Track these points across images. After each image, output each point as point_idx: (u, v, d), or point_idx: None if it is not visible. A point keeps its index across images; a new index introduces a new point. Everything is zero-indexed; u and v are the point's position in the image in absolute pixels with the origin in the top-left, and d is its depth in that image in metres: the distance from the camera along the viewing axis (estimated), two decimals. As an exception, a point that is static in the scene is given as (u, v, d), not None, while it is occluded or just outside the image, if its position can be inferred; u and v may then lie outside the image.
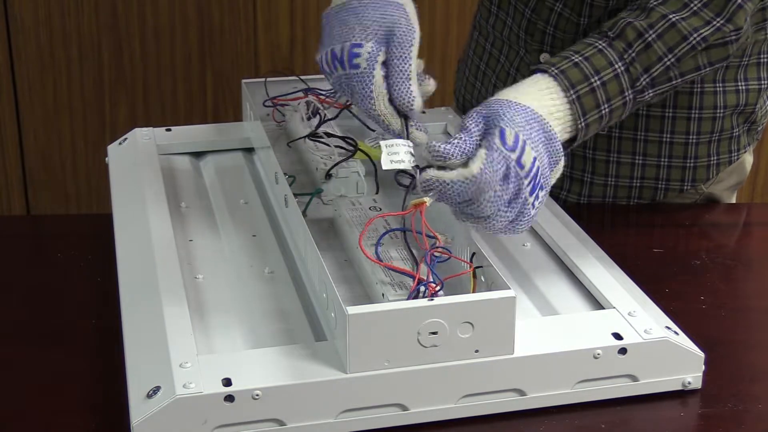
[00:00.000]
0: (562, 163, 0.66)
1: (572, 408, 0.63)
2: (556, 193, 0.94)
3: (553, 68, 0.70)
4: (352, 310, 0.58)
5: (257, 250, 0.76)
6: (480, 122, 0.64)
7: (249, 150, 0.92)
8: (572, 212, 0.81)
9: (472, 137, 0.63)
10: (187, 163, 0.90)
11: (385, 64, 0.67)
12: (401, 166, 0.68)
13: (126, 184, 0.84)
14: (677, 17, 0.72)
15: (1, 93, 1.59)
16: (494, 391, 0.62)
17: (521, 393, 0.62)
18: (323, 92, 0.89)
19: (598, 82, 0.70)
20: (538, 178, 0.63)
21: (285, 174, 0.76)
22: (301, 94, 0.89)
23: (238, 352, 0.63)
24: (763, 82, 0.90)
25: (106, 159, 0.90)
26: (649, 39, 0.71)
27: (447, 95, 1.15)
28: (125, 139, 0.91)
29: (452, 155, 0.62)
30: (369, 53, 0.66)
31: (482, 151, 0.62)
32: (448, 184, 0.61)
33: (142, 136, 0.91)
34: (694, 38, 0.72)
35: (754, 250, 0.89)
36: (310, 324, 0.67)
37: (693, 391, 0.65)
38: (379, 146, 0.71)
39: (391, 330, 0.59)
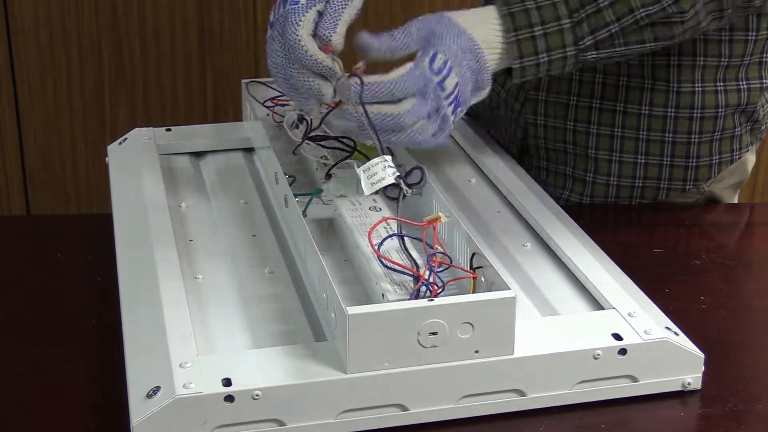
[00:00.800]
0: (486, 90, 0.73)
1: (572, 408, 0.63)
2: (558, 193, 0.94)
3: (503, 8, 0.74)
4: (352, 310, 0.58)
5: (257, 250, 0.76)
6: (422, 30, 0.70)
7: (249, 150, 0.93)
8: (572, 212, 0.81)
9: (409, 38, 0.69)
10: (187, 163, 0.90)
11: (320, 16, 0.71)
12: (383, 183, 0.70)
13: (126, 184, 0.84)
14: None
15: (1, 93, 1.59)
16: (494, 391, 0.62)
17: (521, 393, 0.62)
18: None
19: (540, 32, 0.73)
20: (459, 98, 0.70)
21: (285, 174, 0.76)
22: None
23: (238, 352, 0.63)
24: (764, 81, 0.90)
25: (106, 159, 0.90)
26: (602, 5, 0.74)
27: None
28: (125, 139, 0.91)
29: (380, 48, 0.68)
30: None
31: (408, 64, 0.68)
32: (365, 85, 0.66)
33: (142, 136, 0.91)
34: (639, 13, 0.75)
35: (754, 250, 0.89)
36: (310, 324, 0.67)
37: (693, 392, 0.65)
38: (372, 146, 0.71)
39: (391, 330, 0.59)
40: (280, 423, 0.59)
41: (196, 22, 1.57)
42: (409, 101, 0.68)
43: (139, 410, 0.58)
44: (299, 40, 0.69)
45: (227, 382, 0.58)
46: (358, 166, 0.78)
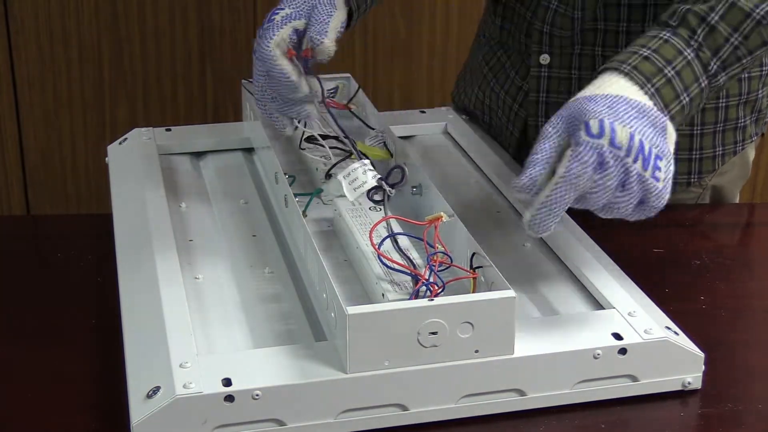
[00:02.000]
0: (671, 127, 0.65)
1: (572, 408, 0.63)
2: None
3: (623, 65, 0.68)
4: (352, 310, 0.58)
5: (257, 250, 0.76)
6: (559, 124, 0.63)
7: (249, 150, 0.92)
8: (572, 212, 0.81)
9: (551, 142, 0.62)
10: (187, 163, 0.90)
11: (299, 33, 0.73)
12: (366, 188, 0.70)
13: (126, 184, 0.84)
14: None
15: (1, 93, 1.58)
16: (494, 391, 0.62)
17: (521, 393, 0.62)
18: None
19: (672, 72, 0.68)
20: (647, 149, 0.62)
21: (285, 174, 0.76)
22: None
23: (238, 352, 0.63)
24: (764, 68, 0.90)
25: (106, 159, 0.90)
26: (713, 22, 0.70)
27: (447, 95, 1.15)
28: (125, 139, 0.91)
29: (535, 175, 0.61)
30: (286, 14, 0.73)
31: (568, 151, 0.61)
32: (546, 203, 0.60)
33: (142, 136, 0.91)
34: (757, 13, 0.71)
35: (754, 250, 0.89)
36: (310, 324, 0.67)
37: (693, 391, 0.65)
38: (367, 148, 0.71)
39: (391, 330, 0.59)
40: (280, 423, 0.59)
41: (196, 22, 1.57)
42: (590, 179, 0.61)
43: (139, 410, 0.58)
44: (270, 52, 0.71)
45: (227, 382, 0.58)
46: (338, 175, 0.78)
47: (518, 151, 0.95)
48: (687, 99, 0.69)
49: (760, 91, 0.90)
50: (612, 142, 0.61)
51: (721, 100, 0.89)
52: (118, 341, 0.65)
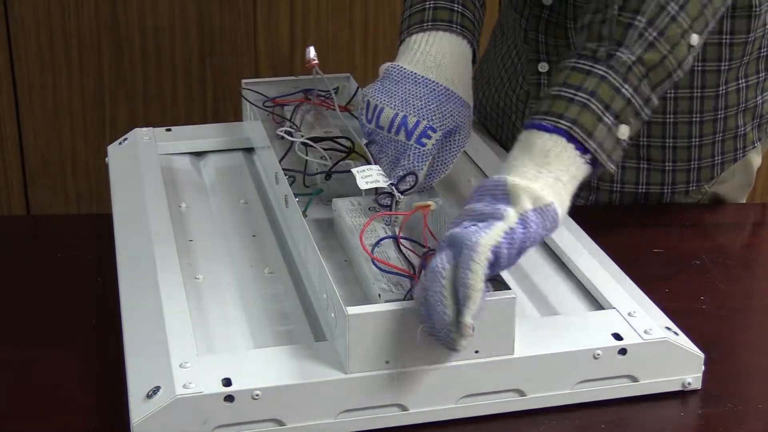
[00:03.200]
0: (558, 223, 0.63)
1: (572, 408, 0.63)
2: None
3: (536, 117, 0.64)
4: (352, 310, 0.58)
5: (257, 251, 0.76)
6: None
7: (249, 150, 0.92)
8: (573, 212, 0.81)
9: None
10: (187, 163, 0.90)
11: None
12: (377, 185, 0.71)
13: (126, 184, 0.84)
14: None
15: (1, 93, 1.58)
16: (494, 391, 0.62)
17: (521, 393, 0.62)
18: (322, 93, 0.89)
19: (585, 96, 0.64)
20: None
21: (285, 174, 0.76)
22: (300, 95, 0.89)
23: (238, 353, 0.63)
24: (760, 75, 0.90)
25: (106, 159, 0.90)
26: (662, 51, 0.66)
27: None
28: (125, 139, 0.91)
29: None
30: (436, 141, 0.73)
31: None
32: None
33: (142, 136, 0.91)
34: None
35: (754, 250, 0.89)
36: (310, 324, 0.67)
37: (693, 391, 0.65)
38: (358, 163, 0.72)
39: (391, 330, 0.59)
40: (280, 423, 0.59)
41: (196, 22, 1.57)
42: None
43: (139, 410, 0.58)
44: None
45: (227, 382, 0.58)
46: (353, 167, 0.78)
47: None
48: (611, 119, 0.64)
49: (759, 98, 0.90)
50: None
51: (719, 113, 0.88)
52: (118, 341, 0.65)
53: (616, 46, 0.67)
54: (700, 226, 0.90)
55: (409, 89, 0.74)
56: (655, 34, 0.67)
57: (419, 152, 0.73)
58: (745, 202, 0.98)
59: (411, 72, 0.75)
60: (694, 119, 0.88)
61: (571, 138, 0.64)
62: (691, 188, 0.91)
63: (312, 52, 0.84)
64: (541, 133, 0.64)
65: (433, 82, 0.74)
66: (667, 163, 0.89)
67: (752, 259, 0.87)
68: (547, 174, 0.63)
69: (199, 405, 0.58)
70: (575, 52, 0.69)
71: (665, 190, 0.90)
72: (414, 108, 0.73)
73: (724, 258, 0.83)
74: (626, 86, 0.66)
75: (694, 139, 0.89)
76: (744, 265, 0.83)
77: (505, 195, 0.61)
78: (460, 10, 0.78)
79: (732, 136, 0.90)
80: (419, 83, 0.74)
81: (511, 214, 0.59)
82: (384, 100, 0.74)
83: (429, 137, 0.73)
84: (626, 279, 0.72)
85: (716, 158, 0.90)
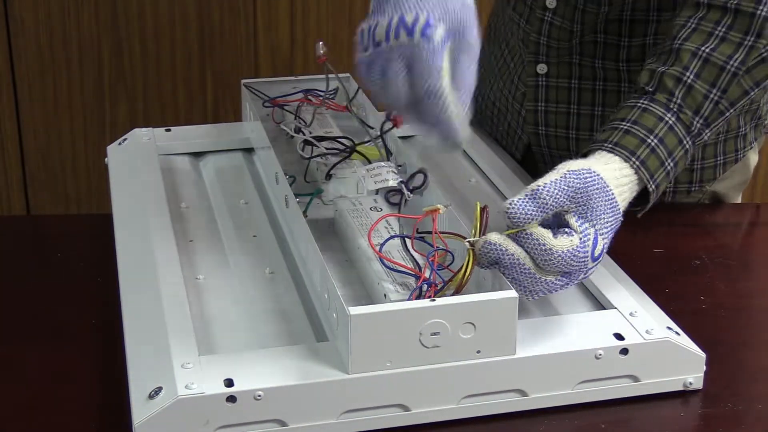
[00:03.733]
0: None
1: (573, 408, 0.63)
2: None
3: (606, 144, 0.68)
4: (354, 310, 0.58)
5: (258, 251, 0.76)
6: (572, 187, 0.62)
7: (249, 150, 0.92)
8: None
9: (559, 197, 0.62)
10: (187, 164, 0.90)
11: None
12: (386, 185, 0.70)
13: (126, 184, 0.84)
14: (707, 50, 0.71)
15: (1, 93, 1.58)
16: (496, 391, 0.62)
17: (523, 393, 0.62)
18: (322, 93, 0.89)
19: (656, 141, 0.69)
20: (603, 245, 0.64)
21: (285, 174, 0.76)
22: (300, 95, 0.89)
23: (240, 353, 0.63)
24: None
25: (106, 159, 0.90)
26: (689, 81, 0.70)
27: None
28: (125, 139, 0.91)
29: (517, 221, 0.61)
30: (442, 34, 0.62)
31: (569, 244, 0.61)
32: (539, 247, 0.60)
33: (141, 136, 0.91)
34: (731, 65, 0.71)
35: (754, 250, 0.89)
36: (312, 324, 0.67)
37: (694, 391, 0.65)
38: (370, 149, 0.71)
39: (393, 330, 0.59)
40: (282, 423, 0.59)
41: (196, 22, 1.57)
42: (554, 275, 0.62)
43: (141, 411, 0.58)
44: (441, 92, 0.60)
45: (229, 383, 0.58)
46: (359, 167, 0.78)
47: (524, 157, 0.94)
48: (672, 165, 0.70)
49: (762, 100, 0.90)
50: (596, 264, 0.64)
51: None
52: (119, 341, 0.65)
53: (681, 102, 0.71)
54: (700, 226, 0.90)
55: None
56: (719, 94, 0.71)
57: (430, 48, 0.60)
58: (741, 199, 0.98)
59: None
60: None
61: (638, 177, 0.68)
62: (693, 188, 0.91)
63: (322, 47, 0.82)
64: (618, 160, 0.68)
65: None
66: (696, 162, 0.89)
67: (752, 259, 0.87)
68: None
69: (201, 406, 0.58)
70: (643, 91, 0.72)
71: (668, 189, 0.91)
72: (408, 5, 0.62)
73: (724, 258, 0.83)
74: (688, 138, 0.70)
75: (720, 135, 0.88)
76: (744, 265, 0.84)
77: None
78: None
79: (733, 137, 0.90)
80: None
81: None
82: (375, 18, 0.63)
83: (434, 27, 0.61)
84: (627, 279, 0.72)
85: (718, 158, 0.91)
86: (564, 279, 0.63)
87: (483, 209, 0.63)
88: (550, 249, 0.61)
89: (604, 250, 0.64)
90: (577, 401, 0.63)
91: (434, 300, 0.60)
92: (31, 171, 1.62)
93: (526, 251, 0.61)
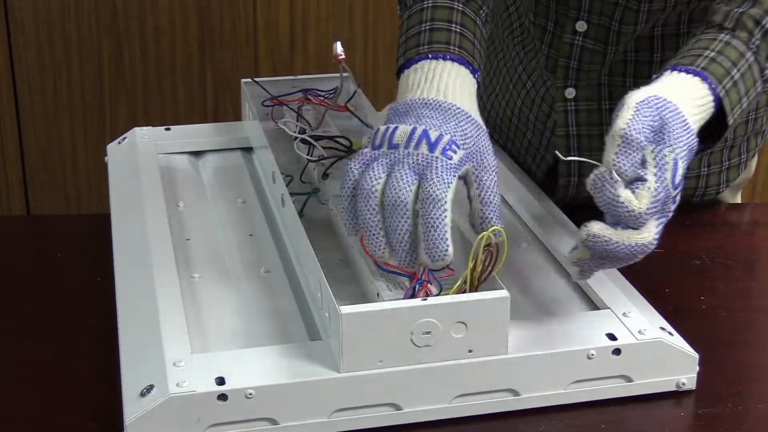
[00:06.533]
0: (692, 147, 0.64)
1: (566, 408, 0.63)
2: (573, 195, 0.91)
3: (694, 65, 0.67)
4: (346, 309, 0.58)
5: (254, 250, 0.76)
6: (654, 120, 0.61)
7: (248, 150, 0.93)
8: (572, 212, 0.81)
9: (641, 150, 0.61)
10: (186, 163, 0.90)
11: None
12: None
13: (124, 183, 0.84)
14: None
15: (1, 93, 1.59)
16: (488, 391, 0.62)
17: (515, 393, 0.62)
18: (322, 93, 0.89)
19: (738, 75, 0.68)
20: (680, 171, 0.62)
21: (282, 173, 0.76)
22: (300, 95, 0.89)
23: (232, 351, 0.63)
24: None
25: (106, 158, 0.90)
26: (767, 26, 0.69)
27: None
28: (124, 138, 0.92)
29: (626, 172, 0.60)
30: (462, 157, 0.62)
31: (654, 185, 0.60)
32: (616, 244, 0.60)
33: (141, 136, 0.91)
34: None
35: (754, 250, 0.89)
36: (305, 323, 0.67)
37: (690, 392, 0.65)
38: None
39: (384, 329, 0.59)
40: (274, 422, 0.59)
41: (196, 22, 1.58)
42: (652, 224, 0.61)
43: (132, 409, 0.58)
44: (446, 201, 0.59)
45: (221, 381, 0.58)
46: None
47: (547, 176, 0.91)
48: (746, 102, 0.69)
49: (762, 108, 0.89)
50: (676, 197, 0.62)
51: (751, 113, 0.87)
52: (117, 340, 0.65)
53: (760, 44, 0.69)
54: (700, 226, 0.89)
55: (422, 112, 0.64)
56: None
57: (446, 165, 0.60)
58: (741, 199, 0.98)
59: (419, 98, 0.65)
60: (750, 117, 0.87)
61: (718, 107, 0.66)
62: (721, 189, 0.90)
63: (339, 47, 0.80)
64: (698, 81, 0.65)
65: (447, 102, 0.64)
66: (702, 168, 0.88)
67: (752, 259, 0.86)
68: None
69: (192, 404, 0.58)
70: (721, 27, 0.70)
71: (722, 189, 0.90)
72: (432, 124, 0.62)
73: (724, 258, 0.82)
74: (760, 82, 0.69)
75: (728, 142, 0.88)
76: (744, 265, 0.83)
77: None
78: (458, 30, 0.71)
79: (755, 134, 0.90)
80: (431, 106, 0.64)
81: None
82: (396, 121, 0.64)
83: (454, 151, 0.61)
84: (621, 279, 0.72)
85: (742, 156, 0.90)
86: (661, 218, 0.61)
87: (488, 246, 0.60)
88: (638, 212, 0.59)
89: (683, 174, 0.62)
90: (569, 401, 0.63)
91: (426, 299, 0.60)
92: (31, 171, 1.63)
93: (620, 223, 0.60)
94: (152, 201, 0.79)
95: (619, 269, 0.72)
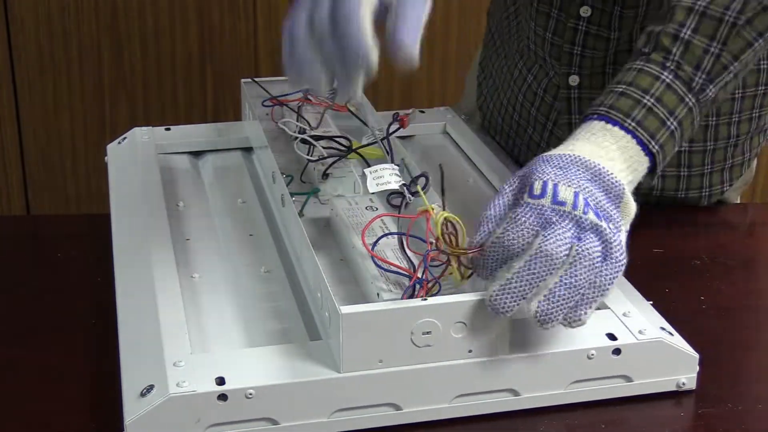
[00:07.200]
0: (628, 196, 0.62)
1: (566, 408, 0.63)
2: None
3: (600, 108, 0.67)
4: (346, 309, 0.58)
5: (254, 250, 0.76)
6: (515, 183, 0.62)
7: (248, 150, 0.93)
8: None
9: (504, 199, 0.61)
10: (186, 163, 0.90)
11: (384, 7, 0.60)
12: (387, 187, 0.69)
13: (124, 183, 0.84)
14: (703, 3, 0.69)
15: (1, 93, 1.59)
16: (488, 391, 0.62)
17: (515, 393, 0.62)
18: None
19: (652, 100, 0.67)
20: (595, 208, 0.60)
21: (282, 173, 0.76)
22: (300, 95, 0.89)
23: (232, 351, 0.63)
24: None
25: (106, 158, 0.90)
26: (686, 37, 0.68)
27: (447, 95, 1.15)
28: (124, 138, 0.92)
29: (485, 232, 0.60)
30: None
31: (509, 213, 0.60)
32: (481, 258, 0.59)
33: (141, 136, 0.91)
34: (729, 15, 0.68)
35: (754, 250, 0.89)
36: (305, 323, 0.67)
37: (690, 392, 0.65)
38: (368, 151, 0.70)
39: (384, 329, 0.59)
40: (274, 422, 0.59)
41: (196, 22, 1.58)
42: (536, 240, 0.58)
43: (132, 409, 0.58)
44: (359, 17, 0.57)
45: (221, 381, 0.58)
46: (356, 166, 0.78)
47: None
48: (674, 123, 0.67)
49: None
50: (554, 200, 0.59)
51: (733, 116, 0.87)
52: (117, 341, 0.65)
53: (680, 60, 0.69)
54: (700, 226, 0.89)
55: None
56: (721, 48, 0.68)
57: None
58: (741, 200, 0.98)
59: None
60: (733, 119, 0.87)
61: (637, 139, 0.65)
62: (725, 188, 0.90)
63: None
64: (616, 129, 0.65)
65: None
66: (705, 167, 0.88)
67: (752, 259, 0.86)
68: (630, 175, 0.64)
69: (192, 404, 0.58)
70: (640, 53, 0.70)
71: (678, 195, 0.89)
72: None
73: (724, 258, 0.82)
74: (690, 95, 0.68)
75: (731, 139, 0.88)
76: (744, 265, 0.83)
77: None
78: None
79: (758, 132, 0.90)
80: None
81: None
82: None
83: None
84: (622, 279, 0.71)
85: (746, 155, 0.90)
86: (581, 240, 0.58)
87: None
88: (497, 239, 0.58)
89: (581, 197, 0.59)
90: (569, 401, 0.63)
91: (426, 299, 0.60)
92: (31, 171, 1.63)
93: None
94: (152, 201, 0.79)
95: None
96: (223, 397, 0.58)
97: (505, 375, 0.61)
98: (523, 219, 0.59)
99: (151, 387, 0.58)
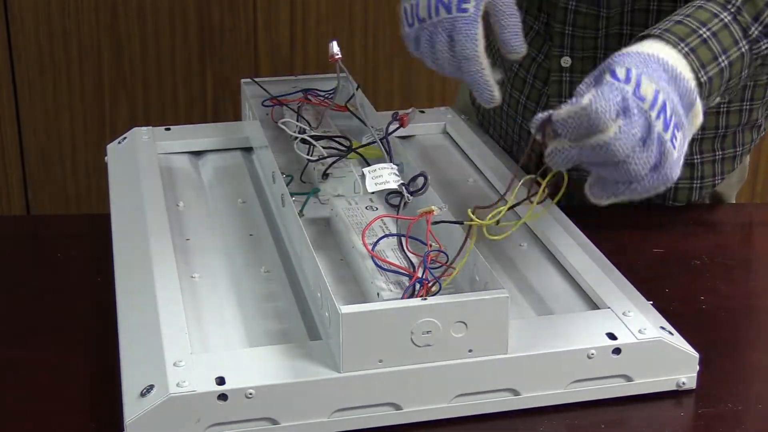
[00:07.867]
0: (698, 105, 0.63)
1: (566, 408, 0.63)
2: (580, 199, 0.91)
3: (655, 30, 0.66)
4: (346, 309, 0.58)
5: (254, 249, 0.76)
6: (590, 80, 0.61)
7: (248, 149, 0.93)
8: (571, 212, 0.81)
9: (583, 86, 0.61)
10: (186, 162, 0.90)
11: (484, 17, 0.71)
12: (386, 187, 0.69)
13: (124, 183, 0.84)
14: None
15: (1, 93, 1.59)
16: (488, 390, 0.62)
17: (515, 393, 0.62)
18: (322, 93, 0.89)
19: (708, 33, 0.67)
20: (669, 113, 0.60)
21: (282, 173, 0.77)
22: (300, 95, 0.89)
23: (232, 351, 0.63)
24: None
25: (106, 158, 0.90)
26: None
27: (447, 95, 1.15)
28: (124, 138, 0.92)
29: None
30: (476, 4, 0.71)
31: (592, 89, 0.59)
32: (560, 122, 0.58)
33: (141, 136, 0.91)
34: None
35: (754, 250, 0.89)
36: (305, 323, 0.67)
37: (690, 391, 0.65)
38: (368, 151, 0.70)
39: (384, 329, 0.59)
40: (274, 422, 0.59)
41: (196, 22, 1.58)
42: (615, 123, 0.58)
43: (132, 408, 0.58)
44: (477, 57, 0.70)
45: (221, 381, 0.58)
46: (356, 166, 0.78)
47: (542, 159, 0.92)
48: (726, 62, 0.67)
49: (764, 97, 0.89)
50: (636, 91, 0.59)
51: (721, 107, 0.87)
52: (118, 341, 0.65)
53: (741, 6, 0.69)
54: (700, 226, 0.89)
55: None
56: None
57: (465, 20, 0.70)
58: (740, 198, 0.98)
59: None
60: (721, 110, 0.87)
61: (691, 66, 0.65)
62: (717, 182, 0.89)
63: (335, 47, 0.81)
64: (668, 48, 0.65)
65: None
66: (695, 156, 0.88)
67: (752, 259, 0.86)
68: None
69: (192, 403, 0.58)
70: None
71: (717, 181, 0.89)
72: None
73: (724, 258, 0.82)
74: (744, 41, 0.68)
75: (719, 130, 0.88)
76: (744, 265, 0.83)
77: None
78: None
79: (750, 127, 0.90)
80: None
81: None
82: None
83: (467, 1, 0.71)
84: (621, 278, 0.72)
85: (737, 149, 0.90)
86: (626, 119, 0.58)
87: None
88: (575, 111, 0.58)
89: (660, 98, 0.59)
90: (569, 401, 0.63)
91: (426, 299, 0.60)
92: (31, 171, 1.63)
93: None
94: (152, 201, 0.79)
95: (619, 269, 0.72)
96: (223, 397, 0.58)
97: (505, 375, 0.61)
98: (609, 95, 0.58)
99: (151, 387, 0.58)
